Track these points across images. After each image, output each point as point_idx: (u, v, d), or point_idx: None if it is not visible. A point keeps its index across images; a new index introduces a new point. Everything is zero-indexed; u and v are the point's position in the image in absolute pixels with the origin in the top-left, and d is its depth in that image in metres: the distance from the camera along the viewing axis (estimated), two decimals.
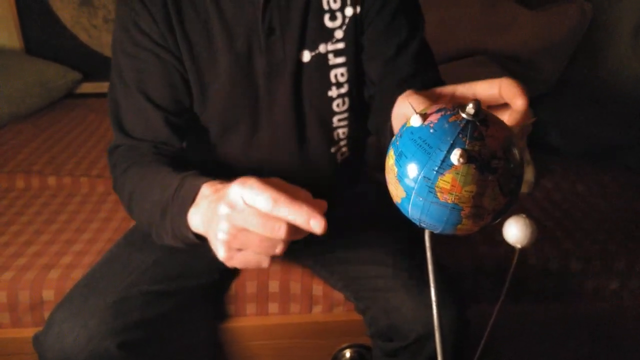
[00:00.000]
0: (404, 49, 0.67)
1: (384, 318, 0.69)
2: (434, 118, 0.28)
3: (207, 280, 0.77)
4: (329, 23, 0.66)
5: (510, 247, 0.35)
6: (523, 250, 0.41)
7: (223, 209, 0.43)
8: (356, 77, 0.70)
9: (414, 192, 0.28)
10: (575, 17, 1.23)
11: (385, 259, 0.72)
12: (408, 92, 0.41)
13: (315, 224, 0.40)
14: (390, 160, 0.30)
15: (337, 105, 0.70)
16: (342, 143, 0.75)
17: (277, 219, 0.41)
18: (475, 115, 0.27)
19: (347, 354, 0.88)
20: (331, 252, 0.78)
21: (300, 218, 0.40)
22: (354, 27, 0.66)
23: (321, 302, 0.88)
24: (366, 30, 0.67)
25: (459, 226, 0.29)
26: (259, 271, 0.86)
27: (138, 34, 0.63)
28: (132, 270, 0.71)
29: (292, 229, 0.41)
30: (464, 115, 0.27)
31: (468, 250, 0.92)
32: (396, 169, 0.29)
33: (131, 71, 0.64)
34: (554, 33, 1.23)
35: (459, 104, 0.29)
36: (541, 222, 0.99)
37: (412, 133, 0.28)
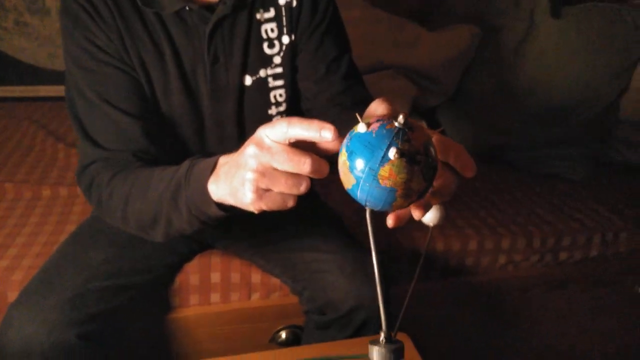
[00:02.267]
0: (333, 68, 0.79)
1: (321, 295, 0.81)
2: (375, 126, 0.39)
3: (154, 274, 0.84)
4: (268, 50, 0.76)
5: (425, 228, 0.46)
6: (435, 228, 0.54)
7: (251, 150, 0.44)
8: (293, 95, 0.80)
9: (362, 180, 0.39)
10: (466, 38, 1.44)
11: (320, 246, 0.84)
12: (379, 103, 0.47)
13: (326, 132, 0.42)
14: (343, 157, 0.40)
15: None
16: None
17: (302, 154, 0.42)
18: (404, 124, 0.39)
19: (283, 334, 0.98)
20: (270, 243, 0.88)
21: (313, 130, 0.42)
22: (291, 53, 0.77)
23: (259, 290, 0.97)
24: (299, 53, 0.78)
25: (394, 204, 0.40)
26: (201, 264, 0.94)
27: (96, 50, 0.68)
28: (84, 267, 0.76)
29: (316, 163, 0.43)
30: (396, 124, 0.39)
31: (386, 237, 1.06)
32: (348, 163, 0.40)
33: (95, 85, 0.68)
34: (450, 51, 1.44)
35: (393, 116, 0.40)
36: (447, 211, 1.16)
37: (359, 137, 0.39)
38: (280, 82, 0.78)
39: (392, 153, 0.37)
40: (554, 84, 1.47)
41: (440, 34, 1.45)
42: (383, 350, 0.42)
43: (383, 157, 0.38)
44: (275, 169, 0.44)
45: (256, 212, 0.47)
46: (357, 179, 0.39)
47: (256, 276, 0.96)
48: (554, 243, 1.14)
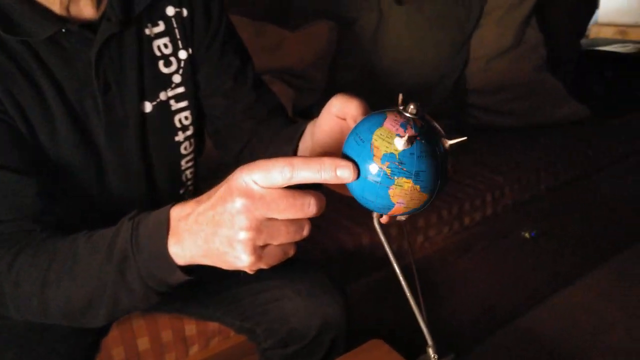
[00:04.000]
0: (241, 78, 0.71)
1: (281, 327, 0.73)
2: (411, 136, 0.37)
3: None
4: (165, 69, 0.65)
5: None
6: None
7: (238, 202, 0.37)
8: (199, 117, 0.71)
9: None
10: (325, 33, 1.45)
11: (266, 273, 0.75)
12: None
13: (343, 171, 0.37)
14: (406, 182, 0.37)
15: (185, 148, 0.70)
16: (189, 183, 0.75)
17: (304, 194, 0.37)
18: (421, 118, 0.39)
19: None
20: (205, 285, 0.77)
21: (326, 171, 0.36)
22: (190, 69, 0.67)
23: (196, 341, 0.85)
24: (200, 68, 0.69)
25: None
26: (123, 334, 0.79)
27: None
28: None
29: (320, 200, 0.38)
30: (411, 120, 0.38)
31: (334, 242, 1.01)
32: (418, 186, 0.37)
33: None
34: (314, 48, 1.43)
35: (397, 110, 0.39)
36: None
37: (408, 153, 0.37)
38: (184, 104, 0.68)
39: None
40: (413, 64, 1.57)
41: (300, 33, 1.44)
42: None
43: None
44: (272, 220, 0.38)
45: (252, 272, 0.41)
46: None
47: (190, 327, 0.84)
48: (458, 210, 1.21)
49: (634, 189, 1.73)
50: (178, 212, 0.43)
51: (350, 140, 0.38)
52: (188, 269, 0.44)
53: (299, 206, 0.37)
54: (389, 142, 0.36)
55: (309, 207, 0.37)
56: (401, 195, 0.37)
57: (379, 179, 0.36)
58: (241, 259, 0.39)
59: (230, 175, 0.39)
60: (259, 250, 0.39)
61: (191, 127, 0.70)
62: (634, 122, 1.80)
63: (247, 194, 0.37)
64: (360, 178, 0.37)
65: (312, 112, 1.52)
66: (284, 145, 0.66)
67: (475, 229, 1.26)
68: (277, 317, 0.74)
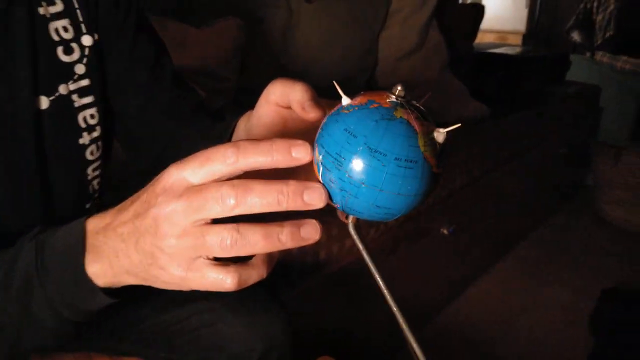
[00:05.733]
0: (158, 72, 0.62)
1: (219, 355, 0.64)
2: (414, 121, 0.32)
3: None
4: (64, 57, 0.53)
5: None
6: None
7: (164, 204, 0.30)
8: (107, 115, 0.60)
9: None
10: (234, 30, 1.37)
11: (195, 294, 0.66)
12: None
13: (299, 151, 0.31)
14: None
15: (91, 153, 0.58)
16: (96, 195, 0.63)
17: (275, 182, 0.30)
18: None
19: None
20: (114, 315, 0.66)
21: (279, 152, 0.30)
22: (96, 58, 0.56)
23: None
24: (108, 59, 0.58)
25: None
26: None
27: None
28: None
29: (301, 188, 0.31)
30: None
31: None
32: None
33: None
34: (222, 45, 1.34)
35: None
36: None
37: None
38: (89, 99, 0.56)
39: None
40: (324, 63, 1.53)
41: (206, 30, 1.33)
42: None
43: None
44: (212, 225, 0.31)
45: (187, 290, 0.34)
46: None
47: None
48: None
49: (532, 179, 1.86)
50: (96, 224, 0.36)
51: (339, 134, 0.31)
52: (112, 290, 0.36)
53: (274, 190, 0.30)
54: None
55: (282, 195, 0.30)
56: None
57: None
58: (170, 273, 0.32)
59: (160, 174, 0.33)
60: (193, 263, 0.32)
61: (98, 128, 0.58)
62: (525, 119, 1.93)
63: (175, 194, 0.31)
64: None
65: (222, 114, 1.43)
66: (212, 146, 0.57)
67: (397, 229, 1.25)
68: (212, 345, 0.64)
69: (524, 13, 3.20)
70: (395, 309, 0.37)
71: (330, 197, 0.33)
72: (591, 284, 1.67)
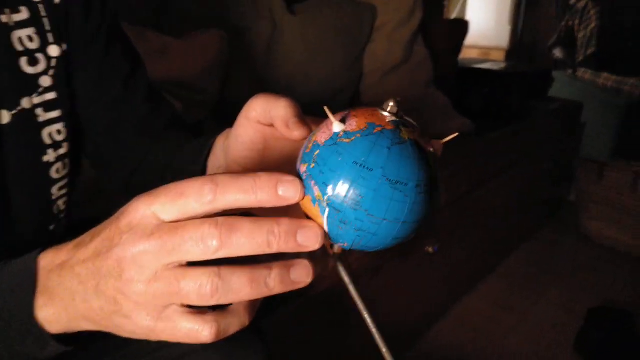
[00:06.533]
0: (131, 85, 0.58)
1: None
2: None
3: None
4: (28, 69, 0.49)
5: None
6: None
7: (131, 245, 0.27)
8: (75, 131, 0.56)
9: None
10: (216, 42, 1.33)
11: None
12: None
13: (287, 189, 0.27)
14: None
15: (57, 171, 0.54)
16: (62, 216, 0.58)
17: (263, 221, 0.27)
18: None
19: None
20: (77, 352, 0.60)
21: (263, 190, 0.26)
22: (65, 70, 0.52)
23: None
24: (77, 71, 0.54)
25: None
26: None
27: None
28: None
29: (290, 225, 0.28)
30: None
31: None
32: None
33: None
34: (203, 57, 1.30)
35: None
36: None
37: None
38: (55, 114, 0.52)
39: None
40: (308, 78, 1.50)
41: (188, 41, 1.30)
42: None
43: None
44: (185, 268, 0.27)
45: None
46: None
47: None
48: None
49: (517, 195, 1.84)
50: (50, 261, 0.31)
51: (349, 169, 0.28)
52: (67, 336, 0.32)
53: (253, 233, 0.26)
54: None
55: (273, 236, 0.27)
56: None
57: None
58: (136, 323, 0.28)
59: (124, 207, 0.29)
60: (163, 312, 0.28)
61: (65, 144, 0.54)
62: (510, 135, 1.93)
63: (144, 232, 0.27)
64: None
65: (202, 127, 1.38)
66: (188, 165, 0.53)
67: (385, 249, 1.22)
68: None
69: (507, 30, 3.23)
70: (380, 342, 0.33)
71: (330, 237, 0.29)
72: (578, 302, 1.65)
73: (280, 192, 0.27)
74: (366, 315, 0.33)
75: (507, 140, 1.84)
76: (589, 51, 2.67)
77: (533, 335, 1.52)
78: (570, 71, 2.75)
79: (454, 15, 3.22)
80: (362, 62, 1.66)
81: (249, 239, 0.26)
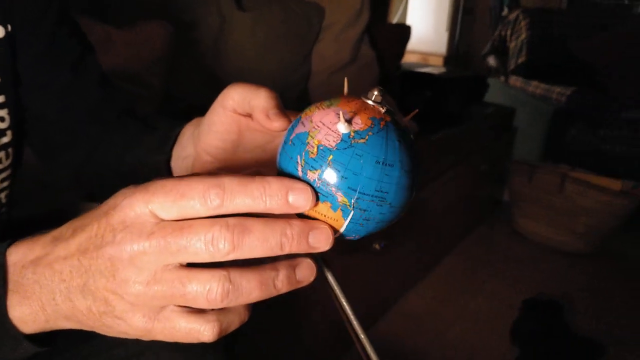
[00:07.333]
0: (81, 70, 0.55)
1: None
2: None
3: None
4: None
5: None
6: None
7: (128, 245, 0.25)
8: (19, 119, 0.52)
9: None
10: (161, 35, 1.29)
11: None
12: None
13: (298, 198, 0.26)
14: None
15: (0, 161, 0.51)
16: (4, 210, 0.55)
17: (273, 221, 0.26)
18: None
19: None
20: None
21: (273, 197, 0.26)
22: (9, 53, 0.48)
23: None
24: (23, 54, 0.50)
25: None
26: None
27: None
28: None
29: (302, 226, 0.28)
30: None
31: None
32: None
33: None
34: (148, 50, 1.26)
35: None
36: None
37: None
38: None
39: None
40: (258, 74, 1.49)
41: (130, 33, 1.25)
42: None
43: None
44: (183, 268, 0.27)
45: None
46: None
47: None
48: None
49: (457, 195, 1.92)
50: (22, 256, 0.28)
51: (372, 169, 0.28)
52: (41, 336, 0.30)
53: (266, 235, 0.26)
54: None
55: (286, 238, 0.26)
56: None
57: None
58: (130, 324, 0.27)
59: (112, 201, 0.27)
60: (160, 312, 0.27)
61: (9, 132, 0.51)
62: (451, 137, 2.01)
63: (143, 231, 0.25)
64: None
65: (154, 120, 1.34)
66: (152, 156, 0.51)
67: (336, 244, 1.23)
68: None
69: (444, 37, 3.36)
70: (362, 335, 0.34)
71: (342, 234, 0.30)
72: (513, 294, 1.74)
73: (290, 200, 0.26)
74: (349, 311, 0.34)
75: (448, 142, 1.92)
76: (520, 60, 2.83)
77: (472, 326, 1.58)
78: (502, 78, 2.90)
79: (395, 19, 3.31)
80: (310, 61, 1.67)
81: (261, 242, 0.25)
